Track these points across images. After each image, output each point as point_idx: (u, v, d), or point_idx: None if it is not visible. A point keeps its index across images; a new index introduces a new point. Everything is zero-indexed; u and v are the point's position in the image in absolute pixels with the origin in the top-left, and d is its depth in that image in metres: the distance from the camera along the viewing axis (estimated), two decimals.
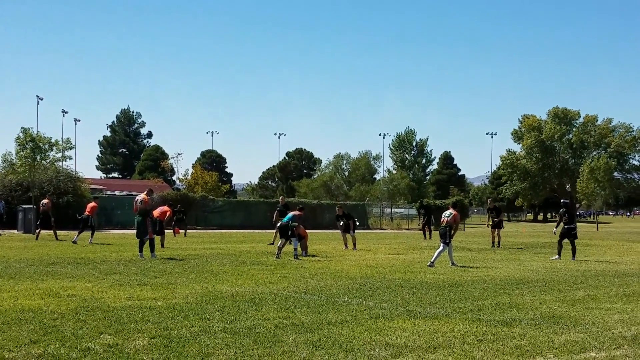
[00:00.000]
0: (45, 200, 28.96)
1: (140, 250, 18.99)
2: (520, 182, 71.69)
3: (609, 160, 64.63)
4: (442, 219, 18.46)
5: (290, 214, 20.58)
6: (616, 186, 69.93)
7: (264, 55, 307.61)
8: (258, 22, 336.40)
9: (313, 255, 20.80)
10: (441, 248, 17.86)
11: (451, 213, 18.36)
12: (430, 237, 33.85)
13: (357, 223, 25.56)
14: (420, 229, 35.73)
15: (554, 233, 22.40)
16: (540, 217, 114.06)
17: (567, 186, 69.36)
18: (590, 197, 63.55)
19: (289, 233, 19.90)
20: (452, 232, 18.10)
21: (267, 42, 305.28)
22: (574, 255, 20.74)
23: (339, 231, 25.16)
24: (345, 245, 24.37)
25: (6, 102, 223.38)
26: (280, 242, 20.19)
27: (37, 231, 28.41)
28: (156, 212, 23.46)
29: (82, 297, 10.81)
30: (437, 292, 12.19)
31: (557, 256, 20.90)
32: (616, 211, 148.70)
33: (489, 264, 18.80)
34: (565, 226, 21.16)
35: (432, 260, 17.66)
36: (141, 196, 19.65)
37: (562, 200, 22.64)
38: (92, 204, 27.12)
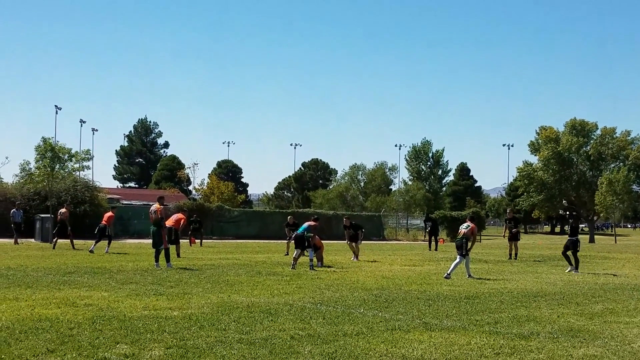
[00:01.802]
0: (63, 210, 29.11)
1: (157, 260, 19.03)
2: (537, 194, 71.21)
3: (629, 173, 64.18)
4: (460, 230, 18.43)
5: (306, 224, 20.56)
6: (635, 199, 69.41)
7: (280, 66, 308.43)
8: (274, 32, 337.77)
9: (329, 266, 20.76)
10: (458, 260, 17.79)
11: (469, 225, 18.29)
12: (436, 249, 33.64)
13: (363, 232, 25.52)
14: (434, 241, 35.48)
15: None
16: (557, 229, 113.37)
17: (564, 202, 69.31)
18: (608, 210, 63.11)
19: (305, 244, 19.89)
20: (470, 244, 18.04)
21: (283, 53, 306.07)
22: (576, 267, 20.55)
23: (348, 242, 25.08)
24: (355, 256, 24.30)
25: (25, 111, 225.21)
26: (295, 252, 20.17)
27: (54, 240, 28.55)
28: (170, 221, 23.44)
29: (98, 306, 10.84)
30: (453, 305, 12.12)
31: (572, 268, 20.71)
32: (634, 224, 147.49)
33: (506, 276, 18.69)
34: (569, 238, 21.04)
35: (448, 272, 17.59)
36: (155, 206, 19.64)
37: (572, 213, 22.69)
38: (109, 213, 27.25)
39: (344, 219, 25.96)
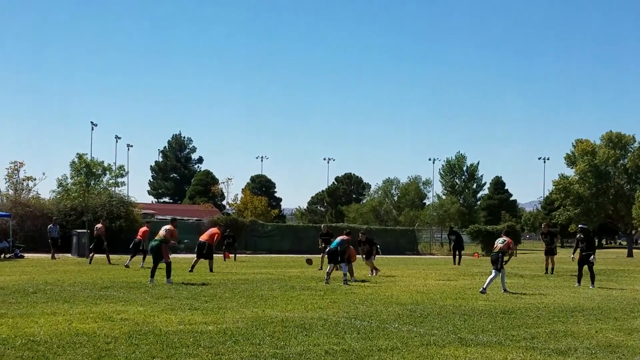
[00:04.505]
0: (99, 225, 29.44)
1: (152, 276, 18.75)
2: (574, 208, 70.33)
3: None
4: (495, 245, 18.31)
5: (338, 238, 20.53)
6: None
7: (312, 80, 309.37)
8: (305, 48, 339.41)
9: (363, 281, 20.70)
10: (493, 274, 17.64)
11: (505, 240, 18.25)
12: (459, 264, 33.00)
13: (379, 252, 25.11)
14: (457, 255, 34.53)
15: (572, 259, 21.88)
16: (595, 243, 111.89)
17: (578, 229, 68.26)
18: None
19: (338, 258, 19.86)
20: (508, 258, 18.01)
21: (315, 67, 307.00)
22: (592, 283, 20.05)
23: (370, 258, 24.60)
24: (371, 271, 23.77)
25: (61, 128, 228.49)
26: (329, 267, 20.15)
27: (91, 255, 28.86)
28: (205, 236, 23.59)
29: (134, 321, 10.94)
30: (489, 319, 12.01)
31: (577, 283, 20.37)
32: None
33: (542, 290, 18.48)
34: (583, 253, 20.53)
35: (484, 286, 17.42)
36: (170, 227, 19.23)
37: (579, 226, 21.99)
38: (144, 228, 27.49)
39: (360, 234, 25.60)
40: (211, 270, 23.21)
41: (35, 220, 40.39)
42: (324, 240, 26.31)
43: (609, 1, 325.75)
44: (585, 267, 20.29)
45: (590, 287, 19.65)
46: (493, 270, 17.73)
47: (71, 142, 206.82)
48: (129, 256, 26.75)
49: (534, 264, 35.38)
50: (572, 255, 22.01)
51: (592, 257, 20.02)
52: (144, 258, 26.16)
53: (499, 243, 18.21)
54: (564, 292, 18.23)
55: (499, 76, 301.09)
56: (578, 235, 21.10)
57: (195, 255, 23.95)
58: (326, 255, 21.85)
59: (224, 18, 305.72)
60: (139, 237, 26.87)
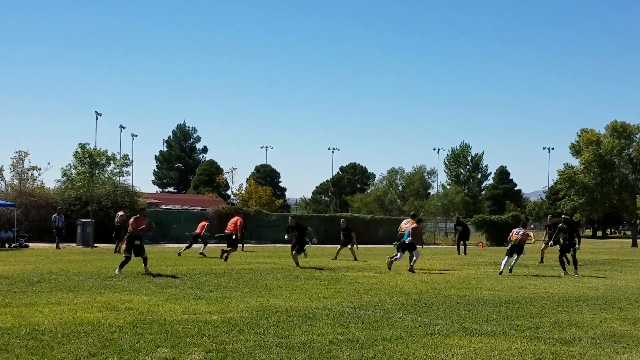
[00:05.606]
0: (120, 212, 30.04)
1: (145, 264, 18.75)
2: (579, 198, 70.19)
3: None
4: (516, 236, 20.08)
5: (409, 229, 21.27)
6: None
7: (317, 70, 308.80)
8: (310, 36, 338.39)
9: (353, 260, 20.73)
10: (516, 257, 19.66)
11: (524, 231, 20.26)
12: (465, 253, 32.94)
13: (315, 241, 24.65)
14: (462, 245, 34.50)
15: (550, 245, 22.36)
16: (599, 233, 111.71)
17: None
18: None
19: (411, 247, 20.75)
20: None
21: (320, 57, 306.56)
22: (575, 269, 20.54)
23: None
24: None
25: (66, 117, 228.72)
26: (397, 255, 20.93)
27: (117, 243, 28.74)
28: (230, 226, 24.02)
29: (139, 310, 10.95)
30: (493, 309, 12.01)
31: (563, 272, 20.58)
32: None
33: (546, 280, 18.46)
34: (566, 242, 20.89)
35: (510, 267, 19.40)
36: (136, 216, 19.18)
37: (562, 216, 22.26)
38: (203, 222, 29.26)
39: (290, 218, 25.17)
40: (225, 259, 23.27)
41: (39, 210, 40.40)
42: (344, 235, 26.88)
43: None
44: (569, 255, 20.95)
45: (574, 274, 20.03)
46: (516, 254, 19.65)
47: (76, 131, 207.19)
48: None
49: (538, 253, 35.30)
50: (551, 241, 22.43)
51: (576, 245, 20.53)
52: (204, 245, 27.93)
53: (519, 234, 19.98)
54: (568, 281, 18.22)
55: (504, 66, 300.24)
56: (560, 225, 21.38)
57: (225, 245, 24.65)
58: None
59: (229, 9, 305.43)
60: (198, 230, 28.44)
